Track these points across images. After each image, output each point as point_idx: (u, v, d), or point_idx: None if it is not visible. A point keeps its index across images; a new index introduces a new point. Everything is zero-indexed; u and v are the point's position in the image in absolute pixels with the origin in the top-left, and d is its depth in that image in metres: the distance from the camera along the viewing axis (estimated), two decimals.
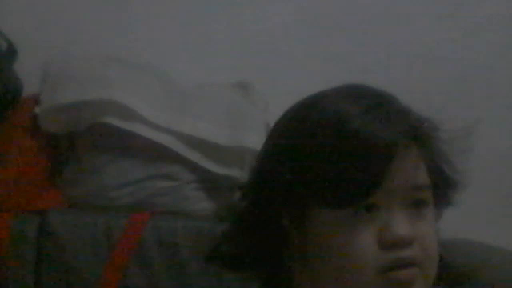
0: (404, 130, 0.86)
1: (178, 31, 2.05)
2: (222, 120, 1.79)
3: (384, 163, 0.84)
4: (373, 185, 0.84)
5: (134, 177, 1.75)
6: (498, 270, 1.40)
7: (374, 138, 0.85)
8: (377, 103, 0.89)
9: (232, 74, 1.95)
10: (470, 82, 2.06)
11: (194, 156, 1.76)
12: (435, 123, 0.92)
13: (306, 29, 2.05)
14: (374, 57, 2.02)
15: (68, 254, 1.68)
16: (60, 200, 1.78)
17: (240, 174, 1.80)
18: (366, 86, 0.94)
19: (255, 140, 1.77)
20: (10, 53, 1.84)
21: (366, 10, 2.07)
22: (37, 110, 1.76)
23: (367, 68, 1.97)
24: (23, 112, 1.79)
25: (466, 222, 1.38)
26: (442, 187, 0.91)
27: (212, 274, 1.67)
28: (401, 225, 0.84)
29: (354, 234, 0.84)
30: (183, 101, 1.82)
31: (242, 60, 2.01)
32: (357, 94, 0.91)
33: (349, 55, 2.02)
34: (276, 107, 1.94)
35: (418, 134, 0.88)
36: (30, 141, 1.78)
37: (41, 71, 1.83)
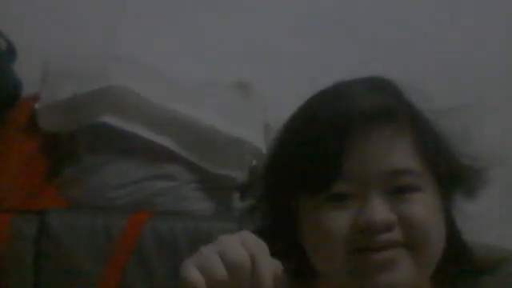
0: (362, 112, 0.83)
1: (178, 31, 2.04)
2: (222, 112, 1.79)
3: (337, 148, 0.82)
4: (331, 172, 0.83)
5: (133, 177, 1.75)
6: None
7: (326, 121, 0.84)
8: (352, 88, 0.88)
9: (232, 73, 1.95)
10: (470, 81, 2.06)
11: (194, 156, 1.76)
12: (431, 109, 0.90)
13: (306, 29, 2.05)
14: (373, 57, 2.02)
15: (67, 253, 1.68)
16: (60, 200, 1.78)
17: (239, 174, 1.80)
18: (377, 77, 0.93)
19: (254, 136, 1.77)
20: (10, 53, 1.84)
21: (366, 10, 2.07)
22: (36, 105, 1.76)
23: (367, 68, 1.97)
24: (23, 112, 1.79)
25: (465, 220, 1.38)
26: (444, 172, 0.88)
27: None
28: (376, 210, 0.82)
29: (327, 219, 0.83)
30: (183, 93, 1.82)
31: (242, 60, 2.01)
32: (350, 82, 0.91)
33: (349, 55, 2.02)
34: (276, 107, 1.96)
35: (392, 115, 0.85)
36: (29, 141, 1.78)
37: (41, 71, 1.83)
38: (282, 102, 1.93)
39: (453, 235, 0.90)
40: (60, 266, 1.68)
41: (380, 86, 0.90)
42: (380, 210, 0.82)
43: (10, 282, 1.67)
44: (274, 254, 0.89)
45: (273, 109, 1.91)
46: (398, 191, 0.84)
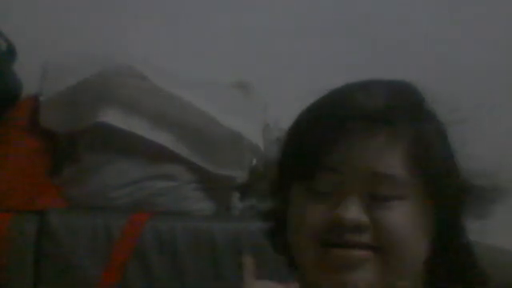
0: (358, 114, 0.82)
1: (178, 31, 2.05)
2: (222, 108, 1.79)
3: (322, 143, 0.82)
4: (311, 161, 0.83)
5: (133, 177, 1.75)
6: (505, 273, 1.39)
7: (319, 118, 0.85)
8: (364, 88, 0.87)
9: (232, 73, 1.95)
10: (470, 81, 2.06)
11: (194, 156, 1.76)
12: (436, 120, 0.87)
13: (305, 29, 2.05)
14: (373, 57, 2.02)
15: (67, 253, 1.69)
16: (60, 200, 1.78)
17: (239, 174, 1.80)
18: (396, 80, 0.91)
19: (253, 134, 1.78)
20: (10, 53, 1.84)
21: (366, 10, 2.07)
22: (41, 98, 1.76)
23: (367, 68, 1.97)
24: (23, 112, 1.79)
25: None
26: (435, 187, 0.85)
27: (210, 273, 1.67)
28: (348, 209, 0.81)
29: (304, 209, 0.84)
30: (184, 88, 1.82)
31: (242, 60, 2.01)
32: (368, 82, 0.90)
33: (349, 55, 2.02)
34: (276, 107, 1.96)
35: (391, 121, 0.83)
36: (29, 141, 1.78)
37: (41, 71, 1.83)
38: (282, 102, 1.95)
39: (457, 249, 0.89)
40: (60, 265, 1.68)
41: (395, 90, 0.88)
42: (352, 209, 0.82)
43: (10, 282, 1.67)
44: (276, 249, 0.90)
45: (273, 109, 1.91)
46: (377, 196, 0.83)
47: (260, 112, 1.89)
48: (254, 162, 1.83)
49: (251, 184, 1.85)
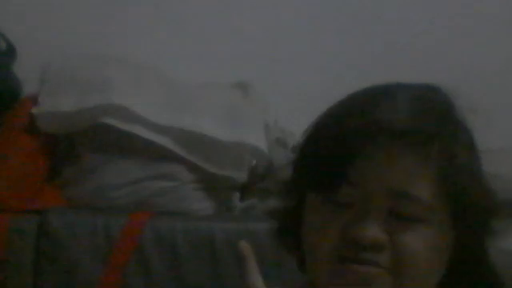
0: (387, 129, 0.78)
1: (178, 31, 2.04)
2: (222, 118, 1.79)
3: (347, 156, 0.79)
4: (335, 176, 0.80)
5: (133, 177, 1.75)
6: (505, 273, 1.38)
7: (344, 128, 0.81)
8: (388, 97, 0.82)
9: (232, 74, 1.95)
10: (470, 80, 2.05)
11: (194, 156, 1.76)
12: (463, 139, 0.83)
13: (306, 29, 2.05)
14: (373, 57, 2.02)
15: (67, 253, 1.68)
16: (59, 200, 1.78)
17: (239, 174, 1.80)
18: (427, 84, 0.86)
19: (255, 138, 1.77)
20: (10, 53, 1.84)
21: (365, 10, 2.07)
22: (34, 110, 1.76)
23: (367, 68, 1.97)
24: (22, 112, 1.79)
25: None
26: (462, 211, 0.82)
27: (210, 273, 1.67)
28: (368, 226, 0.79)
29: (322, 221, 0.82)
30: (183, 100, 1.82)
31: (242, 60, 2.01)
32: (392, 88, 0.85)
33: (349, 55, 2.02)
34: (276, 107, 1.96)
35: (421, 140, 0.79)
36: (29, 141, 1.78)
37: (40, 71, 1.83)
38: (282, 102, 1.95)
39: (480, 273, 0.87)
40: (60, 265, 1.68)
41: (424, 99, 0.83)
42: (372, 227, 0.79)
43: (10, 282, 1.67)
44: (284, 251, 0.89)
45: (273, 109, 1.91)
46: (399, 216, 0.80)
47: (260, 112, 1.89)
48: (254, 162, 1.83)
49: (251, 184, 1.85)
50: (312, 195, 0.84)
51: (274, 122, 1.89)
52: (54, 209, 1.74)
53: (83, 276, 1.68)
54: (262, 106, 1.92)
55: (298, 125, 0.94)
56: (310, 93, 1.73)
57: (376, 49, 2.05)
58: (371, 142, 0.79)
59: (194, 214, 1.77)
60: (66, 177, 1.80)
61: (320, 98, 0.87)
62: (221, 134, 1.76)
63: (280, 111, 1.91)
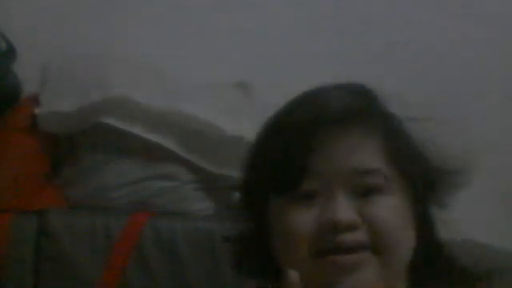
0: (331, 113, 0.84)
1: (178, 31, 2.05)
2: (222, 114, 1.79)
3: (303, 147, 0.83)
4: (297, 171, 0.83)
5: (133, 177, 1.75)
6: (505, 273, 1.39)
7: (291, 122, 0.86)
8: (326, 92, 0.89)
9: (232, 73, 1.95)
10: (469, 80, 2.06)
11: (194, 156, 1.76)
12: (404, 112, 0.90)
13: (305, 29, 2.05)
14: (373, 57, 2.02)
15: (67, 254, 1.68)
16: (59, 200, 1.78)
17: (239, 174, 1.79)
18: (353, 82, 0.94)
19: (254, 135, 1.77)
20: (10, 53, 1.84)
21: (365, 10, 2.07)
22: (34, 110, 1.76)
23: (367, 68, 1.97)
24: (22, 112, 1.79)
25: (465, 220, 1.38)
26: (417, 177, 0.88)
27: (210, 273, 1.67)
28: (340, 210, 0.82)
29: (292, 219, 0.84)
30: (184, 97, 1.82)
31: (242, 60, 2.01)
32: (327, 86, 0.92)
33: (348, 55, 2.02)
34: (276, 107, 1.95)
35: (361, 117, 0.85)
36: (29, 141, 1.78)
37: (40, 71, 1.83)
38: (281, 102, 1.95)
39: (432, 241, 0.90)
40: (60, 265, 1.68)
41: (355, 91, 0.91)
42: (343, 209, 0.82)
43: (10, 282, 1.67)
44: (250, 259, 0.90)
45: (273, 109, 1.91)
46: (364, 193, 0.84)
47: (260, 112, 1.88)
48: None
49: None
50: (275, 200, 0.85)
51: None
52: (54, 209, 1.74)
53: (83, 276, 1.68)
54: (262, 106, 1.92)
55: None
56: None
57: (376, 49, 2.05)
58: (321, 130, 0.84)
59: (194, 213, 1.77)
60: (66, 177, 1.80)
61: None
62: (221, 123, 1.76)
63: None
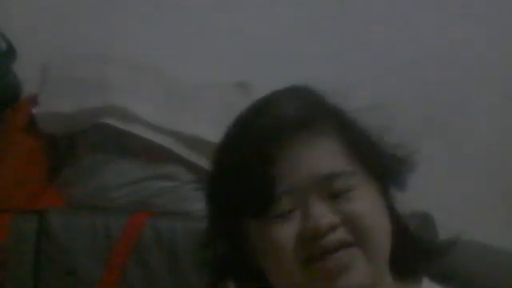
0: (281, 124, 0.85)
1: (177, 31, 2.04)
2: (221, 120, 1.79)
3: (264, 168, 0.83)
4: (266, 196, 0.83)
5: (133, 177, 1.75)
6: (505, 273, 1.39)
7: (247, 142, 0.87)
8: (270, 103, 0.91)
9: (232, 73, 1.95)
10: (469, 80, 2.06)
11: (194, 156, 1.76)
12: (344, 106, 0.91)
13: (305, 29, 2.05)
14: (373, 57, 2.02)
15: (67, 253, 1.69)
16: (59, 200, 1.78)
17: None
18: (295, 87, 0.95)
19: None
20: (10, 53, 1.84)
21: (365, 10, 2.07)
22: (34, 110, 1.76)
23: (367, 68, 1.97)
24: (22, 112, 1.79)
25: (465, 220, 1.38)
26: (377, 167, 0.89)
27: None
28: (317, 215, 0.83)
29: (274, 235, 0.84)
30: (183, 101, 1.82)
31: (242, 60, 2.01)
32: (270, 96, 0.94)
33: (348, 55, 2.02)
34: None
35: (312, 122, 0.86)
36: (29, 141, 1.78)
37: (40, 71, 1.83)
38: None
39: (401, 226, 0.91)
40: (60, 265, 1.68)
41: (299, 95, 0.91)
42: (320, 214, 0.83)
43: (10, 282, 1.67)
44: (236, 279, 0.90)
45: None
46: (335, 194, 0.85)
47: None
48: None
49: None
50: (251, 222, 0.86)
51: None
52: (54, 209, 1.74)
53: (83, 276, 1.68)
54: None
55: None
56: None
57: (376, 49, 2.05)
58: (278, 144, 0.84)
59: (194, 214, 1.77)
60: (66, 177, 1.80)
61: None
62: (220, 137, 1.76)
63: None
